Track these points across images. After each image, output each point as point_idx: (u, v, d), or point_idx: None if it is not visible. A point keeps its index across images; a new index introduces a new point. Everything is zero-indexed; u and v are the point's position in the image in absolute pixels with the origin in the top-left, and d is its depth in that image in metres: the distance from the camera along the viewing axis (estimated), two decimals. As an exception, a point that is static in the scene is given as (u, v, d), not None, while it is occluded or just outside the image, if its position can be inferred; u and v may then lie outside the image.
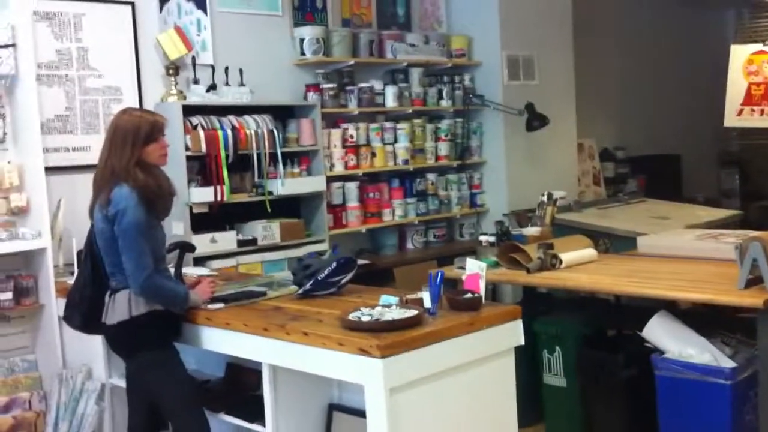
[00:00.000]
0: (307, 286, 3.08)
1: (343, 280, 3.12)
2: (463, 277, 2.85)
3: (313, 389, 2.95)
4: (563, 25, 5.84)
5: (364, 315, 2.60)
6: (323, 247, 4.63)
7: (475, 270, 2.77)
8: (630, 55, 7.23)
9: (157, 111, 3.29)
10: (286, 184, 4.52)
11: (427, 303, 2.64)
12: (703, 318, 3.72)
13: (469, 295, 2.74)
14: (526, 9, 5.58)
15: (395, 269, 4.96)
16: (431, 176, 5.45)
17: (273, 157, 4.48)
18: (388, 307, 2.66)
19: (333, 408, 3.03)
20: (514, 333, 2.74)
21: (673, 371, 3.48)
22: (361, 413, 2.87)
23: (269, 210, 4.49)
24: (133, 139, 2.85)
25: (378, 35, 5.20)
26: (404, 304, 2.70)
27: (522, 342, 2.77)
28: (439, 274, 2.67)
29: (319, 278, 3.08)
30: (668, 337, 3.57)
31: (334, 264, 3.09)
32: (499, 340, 2.70)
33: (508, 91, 5.48)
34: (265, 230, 4.49)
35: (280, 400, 2.85)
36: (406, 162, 5.26)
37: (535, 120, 5.34)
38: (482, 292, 2.73)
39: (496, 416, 2.73)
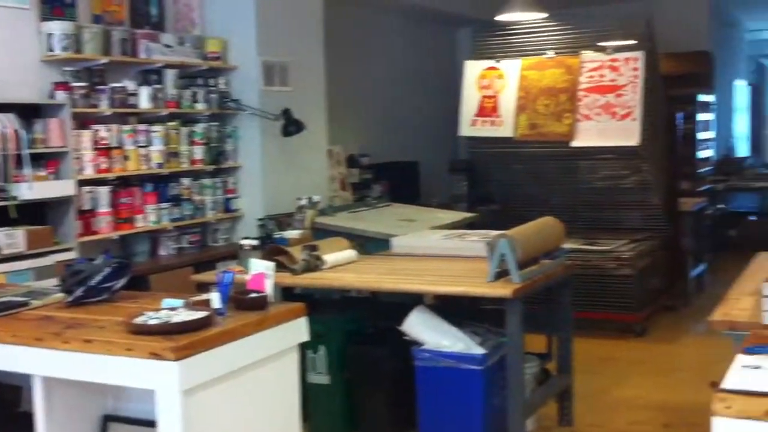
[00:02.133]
0: (79, 292, 2.93)
1: (117, 286, 3.01)
2: (247, 278, 2.88)
3: (87, 401, 2.81)
4: (315, 35, 6.02)
5: (152, 319, 2.54)
6: (72, 255, 4.39)
7: (260, 270, 2.81)
8: (376, 67, 7.61)
9: None
10: (33, 188, 4.23)
11: (216, 304, 2.64)
12: (450, 311, 4.05)
13: (254, 294, 2.77)
14: (281, 16, 5.67)
15: (151, 276, 4.82)
16: (186, 180, 5.35)
17: (18, 159, 4.17)
18: (173, 310, 2.62)
19: (108, 419, 2.91)
20: (299, 330, 2.82)
21: (431, 361, 3.75)
22: (137, 422, 2.81)
23: (14, 216, 4.17)
24: None
25: (131, 34, 5.02)
26: (191, 306, 2.67)
27: (307, 338, 2.86)
28: (228, 274, 2.68)
29: (91, 284, 2.94)
30: (426, 330, 3.84)
31: (108, 269, 2.97)
32: (286, 337, 2.76)
33: (264, 96, 5.54)
34: (9, 238, 4.16)
35: (52, 414, 2.69)
36: (160, 166, 5.12)
37: (291, 125, 5.45)
38: (269, 291, 2.77)
39: (285, 409, 2.80)
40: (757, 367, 1.85)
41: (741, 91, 12.53)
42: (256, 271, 2.82)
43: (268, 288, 2.77)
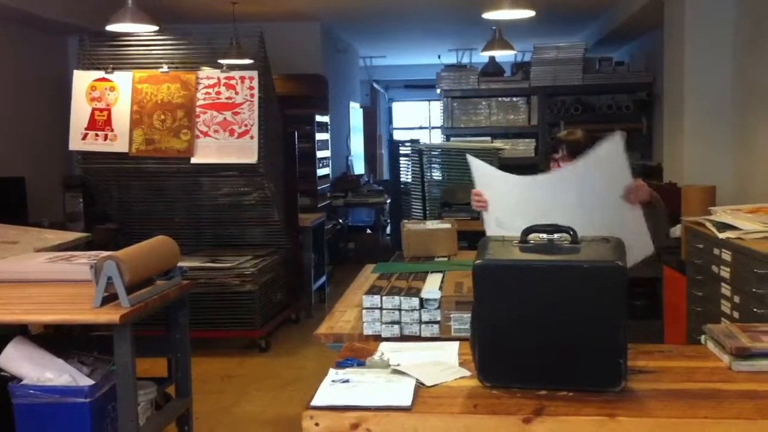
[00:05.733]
0: None
1: None
2: None
3: None
4: None
5: None
6: None
7: None
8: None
9: None
10: None
11: None
12: (58, 341, 3.72)
13: None
14: None
15: None
16: None
17: None
18: None
19: None
20: None
21: (32, 397, 3.39)
22: None
23: None
24: None
25: None
26: None
27: None
28: None
29: None
30: (26, 363, 3.48)
31: None
32: None
33: None
34: None
35: None
36: None
37: None
38: None
39: None
40: (345, 381, 1.88)
41: (356, 113, 13.45)
42: None
43: None
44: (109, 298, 3.40)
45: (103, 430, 3.48)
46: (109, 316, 3.27)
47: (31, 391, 3.39)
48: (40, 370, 3.45)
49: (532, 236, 2.03)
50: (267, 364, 6.02)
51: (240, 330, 6.24)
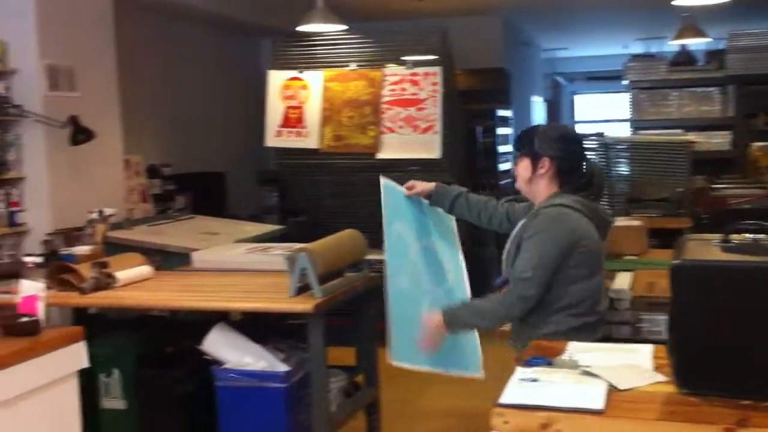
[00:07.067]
0: None
1: None
2: (18, 300, 2.63)
3: None
4: (105, 38, 5.67)
5: None
6: None
7: (32, 291, 2.58)
8: (175, 74, 7.35)
9: None
10: None
11: (-22, 331, 2.38)
12: (256, 327, 3.93)
13: (25, 318, 2.54)
14: (65, 17, 5.30)
15: None
16: (-38, 193, 4.88)
17: None
18: (-72, 341, 2.34)
19: None
20: (77, 355, 2.61)
21: (233, 381, 3.61)
22: None
23: None
24: None
25: None
26: (-51, 335, 2.40)
27: (86, 364, 2.65)
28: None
29: None
30: (227, 348, 3.70)
31: None
32: (62, 364, 2.55)
33: (48, 102, 5.14)
34: None
35: None
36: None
37: (80, 133, 5.09)
38: (41, 314, 2.55)
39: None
40: (534, 380, 1.87)
41: (538, 106, 13.24)
42: (27, 293, 2.58)
43: (41, 311, 2.54)
44: (303, 289, 3.56)
45: (297, 415, 3.64)
46: (304, 305, 3.43)
47: (232, 375, 3.61)
48: (240, 355, 3.66)
49: (734, 235, 1.93)
50: (448, 357, 6.05)
51: (423, 322, 6.30)
